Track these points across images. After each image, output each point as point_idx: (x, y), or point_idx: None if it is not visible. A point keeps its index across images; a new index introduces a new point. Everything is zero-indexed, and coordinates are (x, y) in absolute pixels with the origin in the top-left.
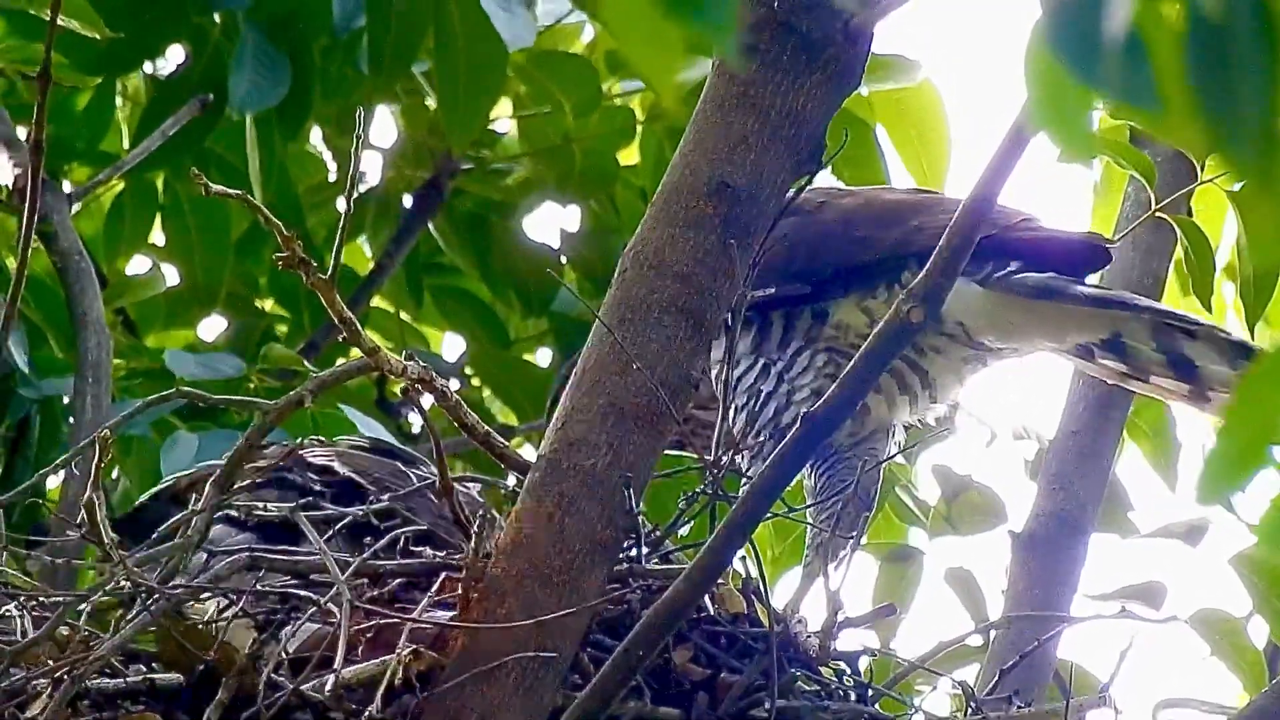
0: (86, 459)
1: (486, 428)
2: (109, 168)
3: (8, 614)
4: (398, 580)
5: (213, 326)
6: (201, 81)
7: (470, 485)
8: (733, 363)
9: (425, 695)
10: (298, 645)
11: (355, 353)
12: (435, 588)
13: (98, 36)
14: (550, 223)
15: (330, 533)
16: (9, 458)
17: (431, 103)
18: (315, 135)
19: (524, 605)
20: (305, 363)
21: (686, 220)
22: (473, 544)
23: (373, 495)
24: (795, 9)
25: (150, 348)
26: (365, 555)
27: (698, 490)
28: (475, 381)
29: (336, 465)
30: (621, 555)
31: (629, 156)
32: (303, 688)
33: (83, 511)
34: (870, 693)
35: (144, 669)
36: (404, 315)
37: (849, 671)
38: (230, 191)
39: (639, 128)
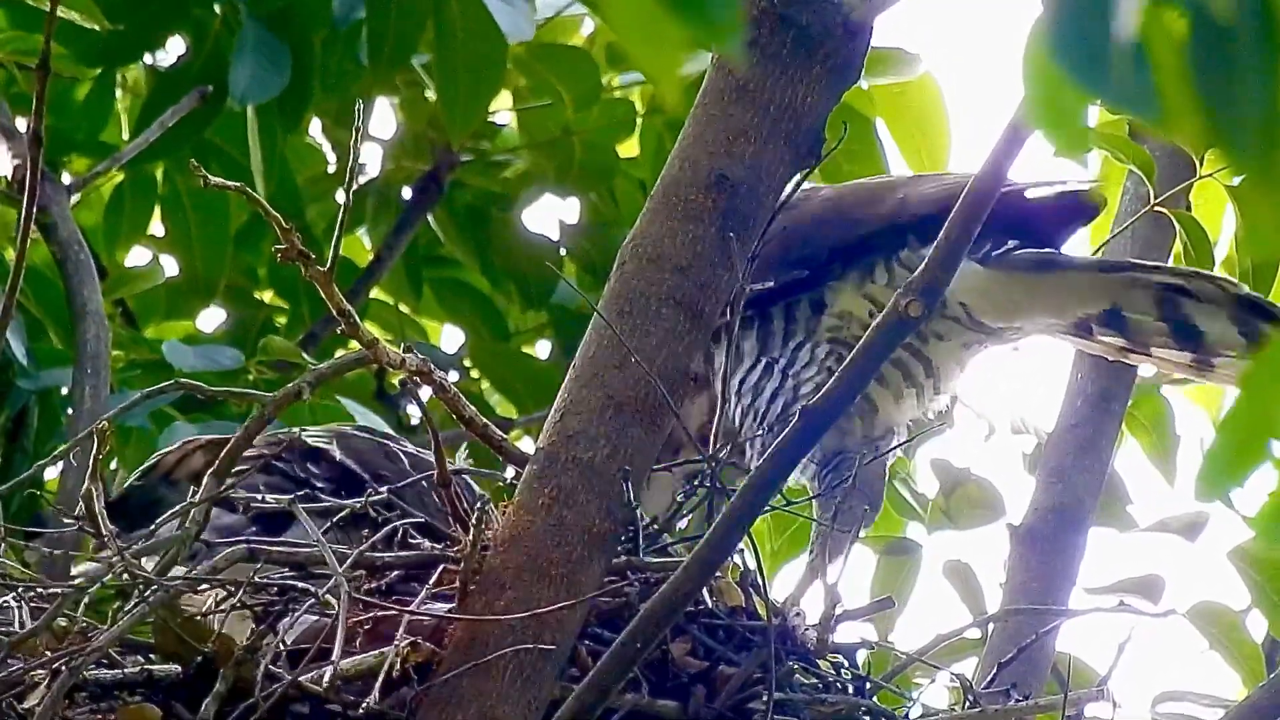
0: (85, 450)
1: (485, 420)
2: (108, 159)
3: (6, 605)
4: (395, 572)
5: (211, 318)
6: (201, 73)
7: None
8: (733, 356)
9: (423, 687)
10: (295, 637)
11: (354, 345)
12: (433, 580)
13: (97, 28)
14: (550, 215)
15: (328, 524)
16: (7, 449)
17: (431, 95)
18: (315, 127)
19: (522, 598)
20: (304, 355)
21: (685, 213)
22: (471, 536)
23: (370, 487)
24: (795, 3)
25: (149, 339)
26: (363, 547)
27: (696, 483)
28: (474, 374)
29: (334, 450)
30: (619, 548)
31: (629, 149)
32: (300, 679)
33: (81, 503)
34: (868, 685)
35: (142, 660)
36: (403, 307)
37: (847, 664)
38: (229, 184)
39: (639, 120)
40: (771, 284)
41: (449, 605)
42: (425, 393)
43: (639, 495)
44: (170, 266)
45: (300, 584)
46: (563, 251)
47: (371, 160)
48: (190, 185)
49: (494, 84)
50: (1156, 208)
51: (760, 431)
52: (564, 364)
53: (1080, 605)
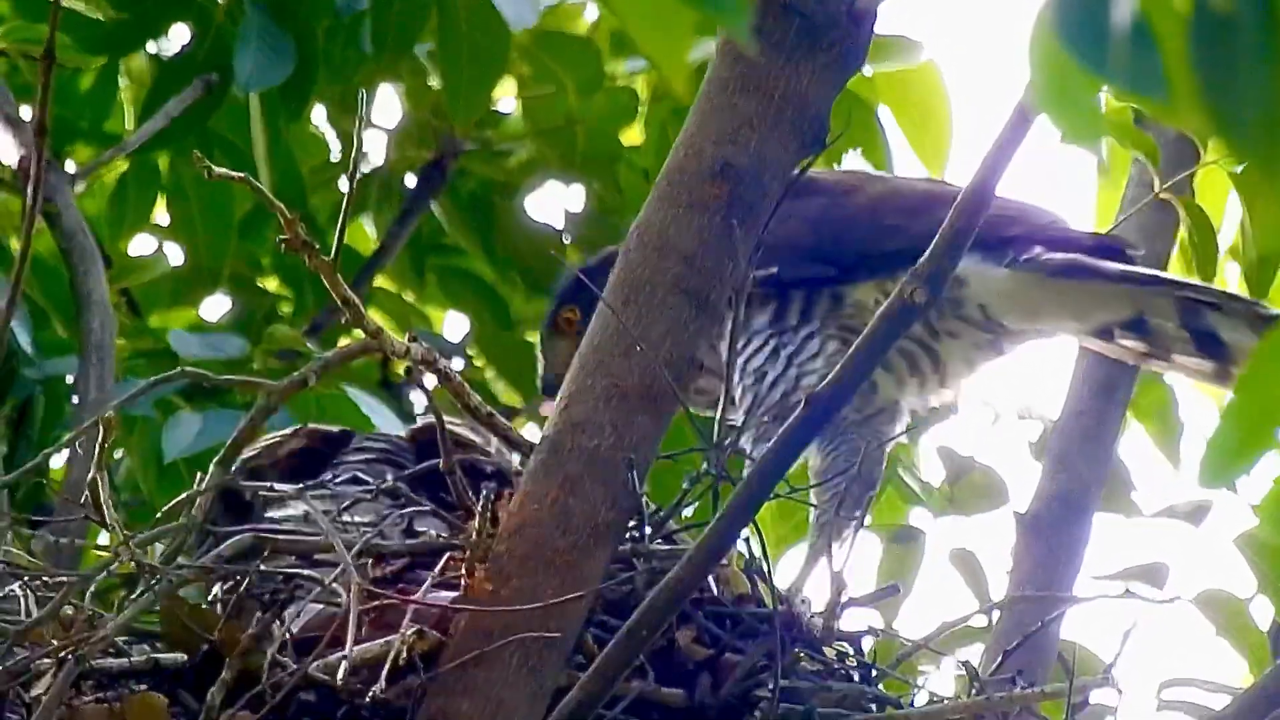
0: (90, 439)
1: (490, 408)
2: (112, 148)
3: (12, 594)
4: (402, 560)
5: (216, 306)
6: (205, 62)
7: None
8: (735, 344)
9: (429, 675)
10: (302, 626)
11: (359, 333)
12: (439, 568)
13: (101, 17)
14: (553, 203)
15: (336, 512)
16: (12, 438)
17: (435, 83)
18: (318, 115)
19: (527, 586)
20: (308, 343)
21: (690, 202)
22: (476, 525)
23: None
24: None
25: (153, 328)
26: (369, 535)
27: (701, 471)
28: (478, 362)
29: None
30: (625, 536)
31: (632, 137)
32: (308, 668)
33: (86, 491)
34: (874, 673)
35: (148, 649)
36: (407, 295)
37: (852, 652)
38: (233, 174)
39: (642, 108)
40: (774, 270)
41: (455, 594)
42: (430, 381)
43: (644, 483)
44: (174, 255)
45: (307, 572)
46: (566, 239)
47: (375, 148)
48: (194, 174)
49: (497, 72)
50: (1161, 195)
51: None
52: None
53: (1086, 592)
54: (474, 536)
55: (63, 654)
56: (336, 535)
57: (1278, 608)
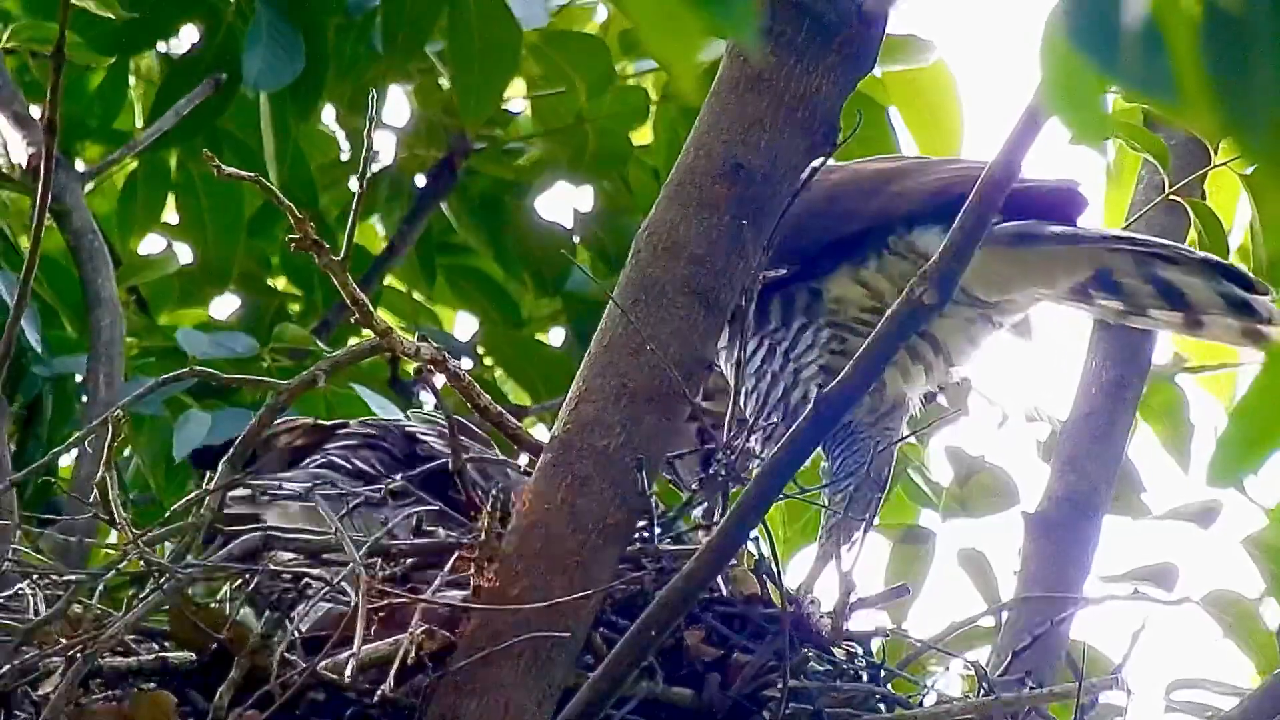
0: (99, 437)
1: (499, 408)
2: (122, 147)
3: (20, 592)
4: (411, 560)
5: (225, 305)
6: (215, 61)
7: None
8: (746, 343)
9: (437, 674)
10: (310, 625)
11: (368, 332)
12: (448, 567)
13: (112, 16)
14: (563, 203)
15: (345, 510)
16: (22, 436)
17: (445, 82)
18: (328, 114)
19: (536, 585)
20: (318, 342)
21: (700, 201)
22: (485, 524)
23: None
24: None
25: (163, 326)
26: (379, 535)
27: (711, 471)
28: (488, 361)
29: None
30: (634, 536)
31: (642, 136)
32: (317, 667)
33: (95, 490)
34: (882, 673)
35: (156, 647)
36: (417, 295)
37: (861, 652)
38: (242, 174)
39: (652, 108)
40: (785, 271)
41: (464, 593)
42: (439, 380)
43: (653, 483)
44: (184, 254)
45: (316, 571)
46: (576, 239)
47: (385, 148)
48: (204, 173)
49: (508, 71)
50: (1171, 196)
51: (766, 417)
52: (578, 351)
53: (1094, 593)
54: (483, 536)
55: (71, 652)
56: (345, 535)
57: None
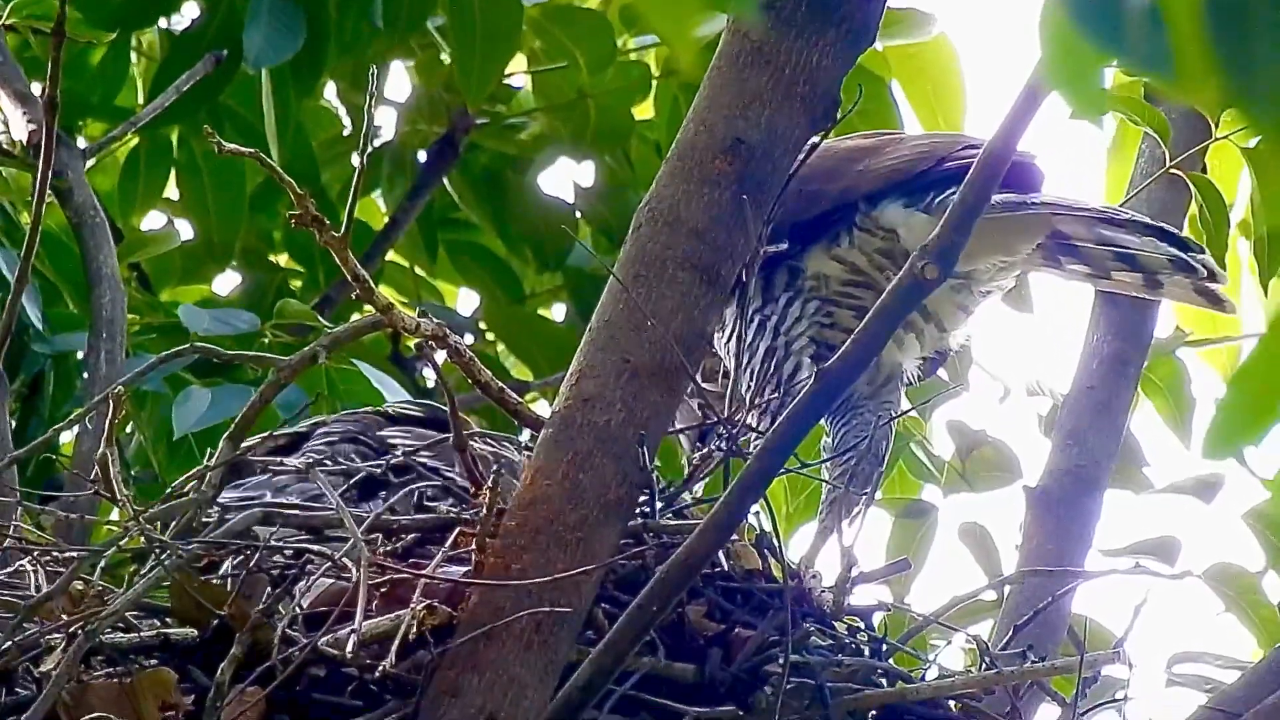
0: (100, 414)
1: (500, 384)
2: (123, 123)
3: (22, 569)
4: (412, 535)
5: (227, 282)
6: (216, 37)
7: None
8: (747, 317)
9: (439, 650)
10: (312, 600)
11: (370, 309)
12: (449, 543)
13: None
14: (565, 178)
15: (346, 486)
16: (23, 413)
17: (446, 58)
18: (330, 90)
19: (538, 561)
20: (319, 318)
21: (701, 177)
22: (486, 500)
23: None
24: None
25: (164, 303)
26: (380, 510)
27: (712, 446)
28: (489, 337)
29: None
30: (636, 512)
31: (644, 111)
32: (318, 643)
33: (96, 467)
34: (884, 648)
35: (158, 624)
36: (418, 270)
37: (863, 627)
38: (243, 150)
39: (654, 83)
40: (785, 246)
41: (465, 568)
42: (441, 356)
43: (655, 458)
44: (185, 230)
45: (317, 547)
46: (578, 214)
47: (386, 123)
48: (205, 149)
49: (509, 47)
50: (1172, 170)
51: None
52: (579, 327)
53: (1096, 567)
54: (484, 512)
55: (73, 629)
56: (346, 510)
57: None
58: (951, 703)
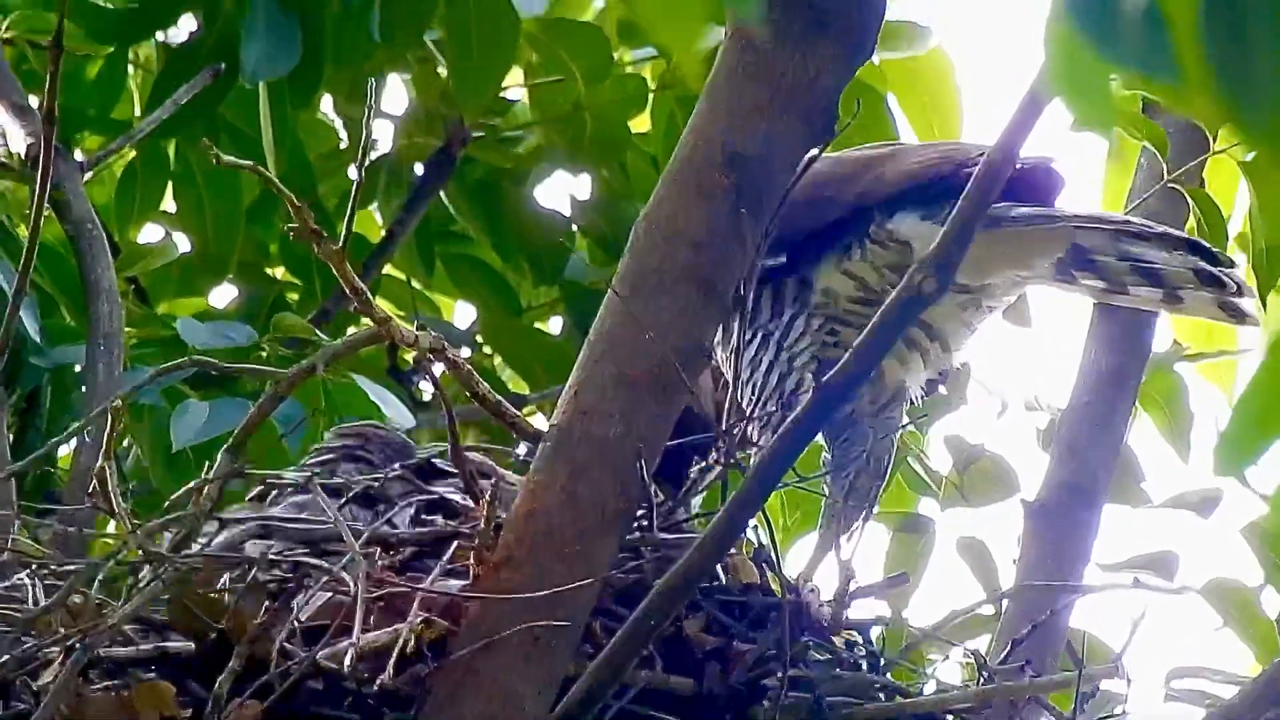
0: (98, 427)
1: (498, 396)
2: (121, 136)
3: (20, 582)
4: (409, 549)
5: (224, 295)
6: (213, 50)
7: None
8: (746, 331)
9: (436, 664)
10: (310, 614)
11: (367, 321)
12: (447, 556)
13: (110, 5)
14: (562, 190)
15: (344, 500)
16: (20, 426)
17: (443, 71)
18: (327, 103)
19: (536, 574)
20: (317, 331)
21: (699, 189)
22: (484, 513)
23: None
24: None
25: (162, 316)
26: (377, 524)
27: (711, 460)
28: (487, 350)
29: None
30: (634, 525)
31: (640, 124)
32: (316, 656)
33: (94, 480)
34: (882, 661)
35: (156, 637)
36: (415, 283)
37: (861, 640)
38: (241, 162)
39: (651, 95)
40: (783, 259)
41: (463, 582)
42: (438, 369)
43: (653, 471)
44: (182, 243)
45: (315, 561)
46: (575, 227)
47: (383, 136)
48: (202, 162)
49: (506, 59)
50: (1170, 184)
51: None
52: (577, 340)
53: (1094, 582)
54: (481, 525)
55: (70, 642)
56: (344, 524)
57: None
58: (949, 717)
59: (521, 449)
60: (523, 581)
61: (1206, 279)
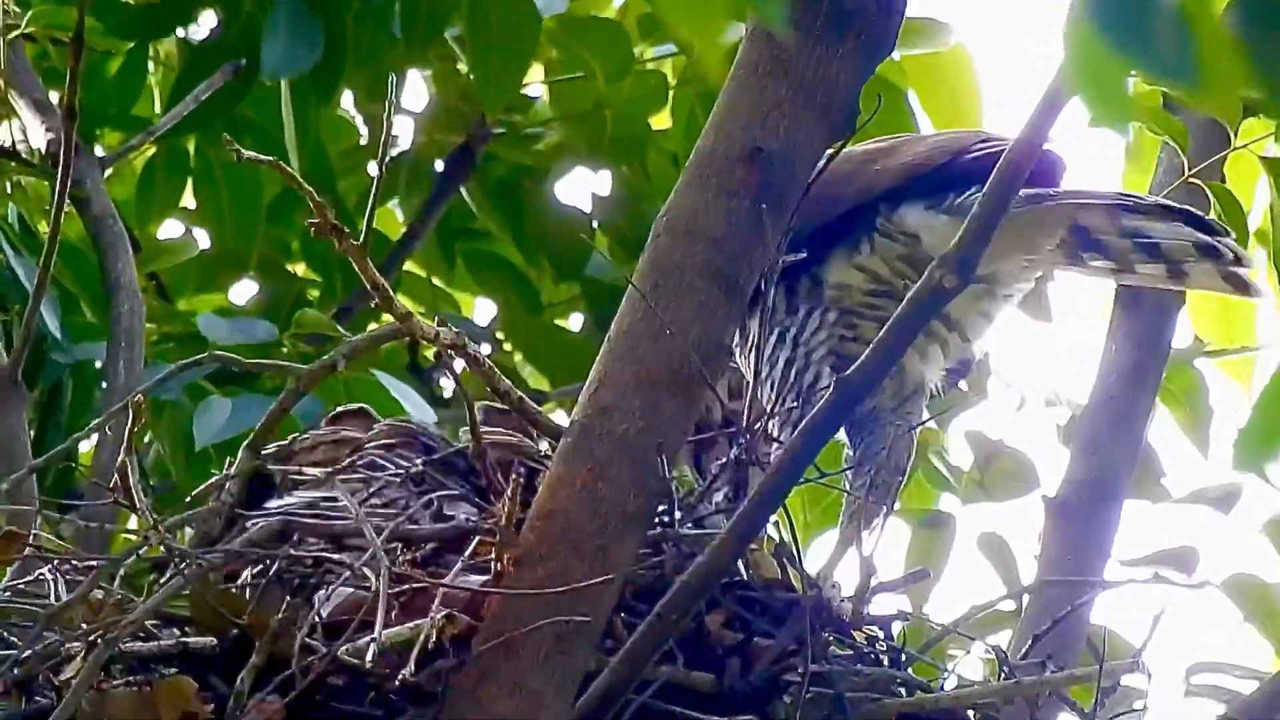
0: (119, 423)
1: (519, 393)
2: (141, 133)
3: (42, 577)
4: (431, 545)
5: (244, 291)
6: (234, 47)
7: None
8: (767, 327)
9: (458, 659)
10: (331, 610)
11: (388, 318)
12: (469, 552)
13: (131, 1)
14: (582, 188)
15: (367, 495)
16: (42, 422)
17: (464, 68)
18: (347, 100)
19: (557, 571)
20: (338, 327)
21: (720, 186)
22: (506, 509)
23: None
24: None
25: (182, 312)
26: (400, 519)
27: (731, 456)
28: (507, 346)
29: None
30: (654, 521)
31: (661, 121)
32: (338, 652)
33: (116, 476)
34: (903, 657)
35: (177, 633)
36: (436, 280)
37: (882, 636)
38: (262, 158)
39: (671, 92)
40: (804, 254)
41: (484, 578)
42: (459, 366)
43: (673, 468)
44: (203, 240)
45: (337, 556)
46: (595, 224)
47: (404, 133)
48: (223, 158)
49: (527, 57)
50: (1191, 179)
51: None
52: (597, 337)
53: (1115, 577)
54: (503, 521)
55: (92, 638)
56: (366, 520)
57: None
58: (970, 712)
59: (542, 446)
60: (544, 577)
61: (1206, 250)
